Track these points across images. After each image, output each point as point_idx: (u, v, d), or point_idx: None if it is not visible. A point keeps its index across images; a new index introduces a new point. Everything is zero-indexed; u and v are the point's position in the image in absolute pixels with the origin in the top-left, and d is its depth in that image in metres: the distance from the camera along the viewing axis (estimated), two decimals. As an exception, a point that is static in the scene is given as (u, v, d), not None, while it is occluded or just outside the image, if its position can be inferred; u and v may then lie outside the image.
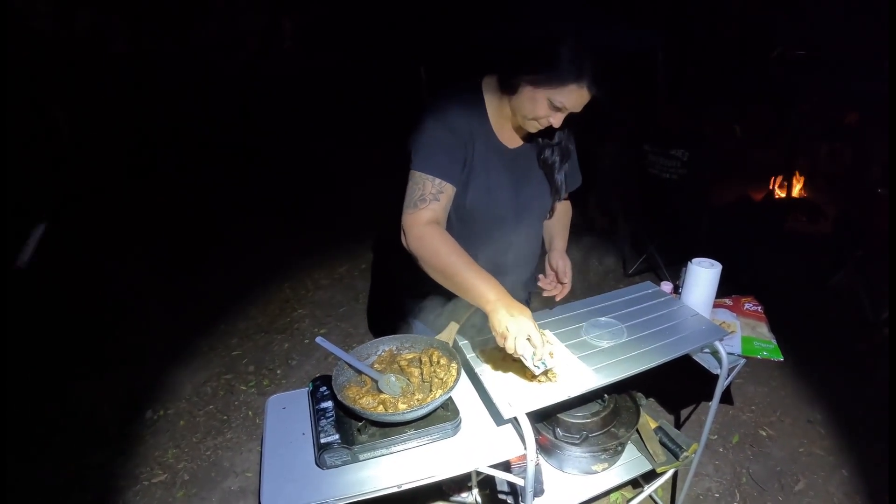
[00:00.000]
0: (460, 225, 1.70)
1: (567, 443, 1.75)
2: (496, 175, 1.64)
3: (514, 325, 1.31)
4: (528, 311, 1.36)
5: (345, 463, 1.28)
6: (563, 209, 1.96)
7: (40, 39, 7.14)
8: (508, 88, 1.54)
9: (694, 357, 1.83)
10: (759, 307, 2.19)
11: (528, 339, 1.32)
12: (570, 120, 1.59)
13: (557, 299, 1.77)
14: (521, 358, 1.34)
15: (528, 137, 1.70)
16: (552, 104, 1.46)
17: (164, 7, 8.70)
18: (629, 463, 1.92)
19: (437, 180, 1.50)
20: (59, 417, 3.10)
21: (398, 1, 9.40)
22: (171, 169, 7.63)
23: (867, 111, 5.32)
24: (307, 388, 1.51)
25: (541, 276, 1.81)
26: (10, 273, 4.51)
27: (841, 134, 5.51)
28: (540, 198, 1.77)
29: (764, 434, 2.88)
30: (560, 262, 1.78)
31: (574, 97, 1.45)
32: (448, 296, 1.60)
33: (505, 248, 1.74)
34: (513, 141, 1.68)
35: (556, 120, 1.51)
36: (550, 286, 1.78)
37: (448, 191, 1.53)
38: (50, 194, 6.34)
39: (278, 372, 3.46)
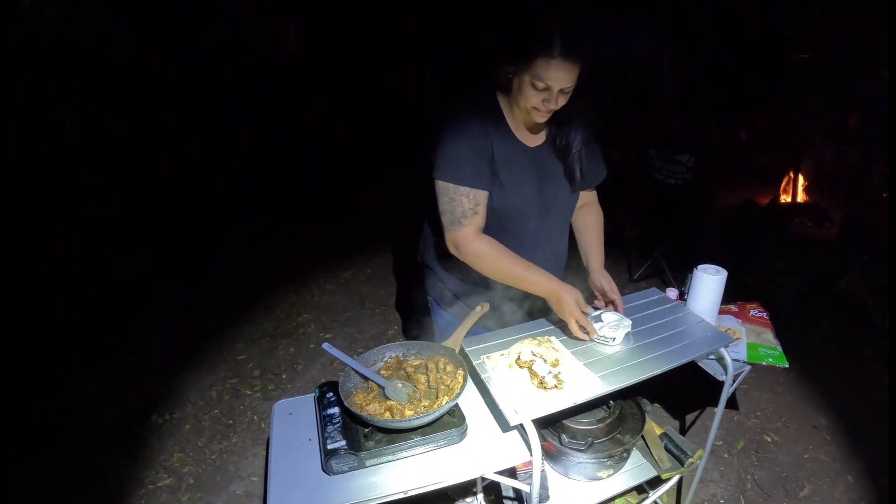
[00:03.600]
0: (489, 224, 1.73)
1: (573, 449, 1.75)
2: (518, 173, 1.68)
3: (565, 307, 1.59)
4: (576, 292, 1.61)
5: (351, 469, 1.28)
6: (595, 219, 1.97)
7: (46, 42, 7.17)
8: (503, 87, 1.61)
9: (699, 363, 1.83)
10: (765, 313, 2.19)
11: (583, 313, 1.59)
12: (583, 108, 1.65)
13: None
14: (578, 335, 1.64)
15: (546, 133, 1.74)
16: (534, 86, 1.48)
17: (170, 11, 8.73)
18: (634, 469, 1.91)
19: (472, 192, 1.60)
20: (64, 420, 3.11)
21: (402, 5, 9.43)
22: (176, 172, 7.66)
23: (871, 114, 5.32)
24: (313, 394, 1.52)
25: (595, 301, 1.82)
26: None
27: (846, 137, 5.50)
28: (564, 192, 1.80)
29: (769, 440, 2.87)
30: (602, 280, 1.79)
31: (551, 72, 1.44)
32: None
33: (534, 244, 1.78)
34: (533, 139, 1.72)
35: (551, 102, 1.51)
36: (603, 306, 1.79)
37: (482, 199, 1.63)
38: (55, 196, 6.37)
39: (284, 377, 3.46)
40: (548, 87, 1.47)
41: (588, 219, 1.95)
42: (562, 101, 1.53)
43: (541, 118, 1.59)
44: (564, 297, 1.58)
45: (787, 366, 1.96)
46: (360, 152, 8.24)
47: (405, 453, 1.32)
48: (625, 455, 1.86)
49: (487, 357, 1.59)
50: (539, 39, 1.42)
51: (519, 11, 1.49)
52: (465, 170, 1.59)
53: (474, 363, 1.56)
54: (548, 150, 1.75)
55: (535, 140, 1.73)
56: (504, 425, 1.41)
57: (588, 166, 1.81)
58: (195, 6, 9.16)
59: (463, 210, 1.60)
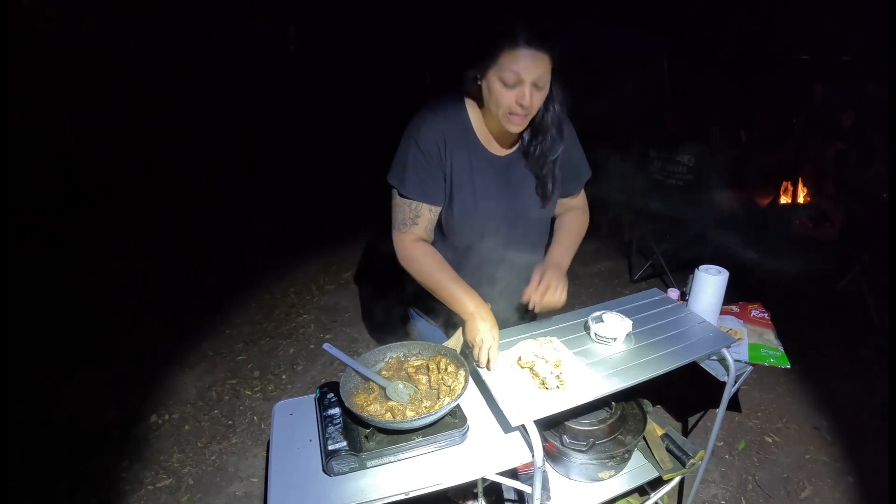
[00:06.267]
0: (454, 237, 1.69)
1: (574, 450, 1.74)
2: (483, 184, 1.60)
3: (478, 336, 1.50)
4: (495, 326, 1.53)
5: (352, 470, 1.28)
6: (573, 224, 1.83)
7: (47, 43, 7.17)
8: (473, 94, 1.56)
9: (701, 364, 1.83)
10: (766, 314, 2.19)
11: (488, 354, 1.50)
12: (560, 116, 1.58)
13: (534, 309, 1.63)
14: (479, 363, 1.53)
15: (519, 141, 1.65)
16: (504, 83, 1.41)
17: (170, 12, 8.74)
18: (636, 470, 1.91)
19: (414, 203, 1.58)
20: (63, 421, 3.10)
21: (403, 6, 9.43)
22: (176, 173, 7.66)
23: (871, 115, 5.32)
24: (314, 395, 1.51)
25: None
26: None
27: (846, 138, 5.49)
28: (537, 203, 1.69)
29: (770, 441, 2.87)
30: (541, 268, 1.64)
31: (519, 63, 1.37)
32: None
33: (504, 257, 1.72)
34: (504, 149, 1.65)
35: (524, 97, 1.41)
36: (528, 294, 1.62)
37: (425, 212, 1.59)
38: (54, 196, 6.37)
39: (283, 377, 3.46)
40: (519, 79, 1.39)
41: (564, 222, 1.83)
42: (537, 100, 1.45)
43: (517, 125, 1.49)
44: (480, 322, 1.50)
45: (789, 366, 1.96)
46: (359, 153, 8.24)
47: (406, 454, 1.32)
48: (626, 456, 1.86)
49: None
50: (501, 32, 1.37)
51: (481, 15, 1.46)
52: (410, 180, 1.56)
53: (475, 364, 1.56)
54: (519, 159, 1.66)
55: (507, 149, 1.65)
56: (506, 426, 1.40)
57: (565, 176, 1.72)
58: (195, 7, 9.16)
59: (403, 218, 1.60)
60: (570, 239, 1.78)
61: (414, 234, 1.60)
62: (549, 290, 1.59)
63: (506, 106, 1.44)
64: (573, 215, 1.85)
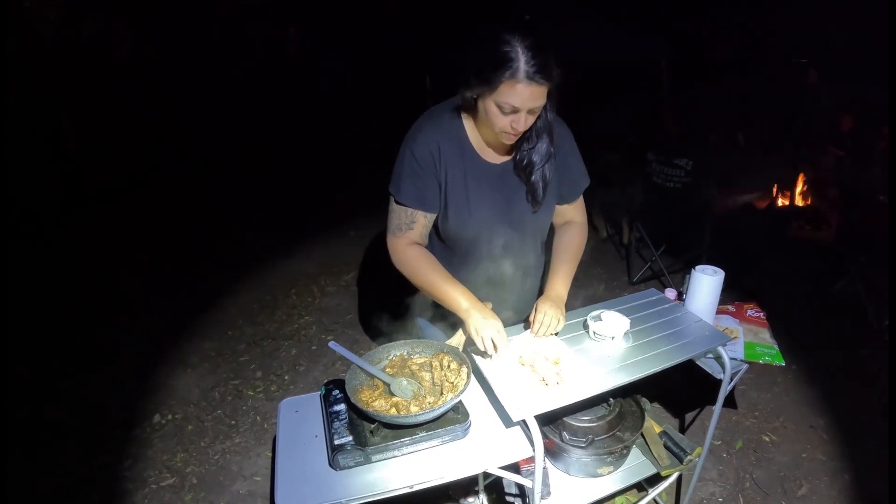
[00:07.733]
0: (451, 242, 1.74)
1: (573, 446, 1.78)
2: (478, 192, 1.64)
3: (480, 327, 1.52)
4: (495, 317, 1.56)
5: (358, 464, 1.31)
6: (570, 242, 1.84)
7: (47, 45, 7.19)
8: (470, 109, 1.58)
9: (697, 362, 1.86)
10: (762, 313, 2.22)
11: (492, 340, 1.52)
12: (551, 121, 1.59)
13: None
14: (487, 352, 1.54)
15: (513, 149, 1.67)
16: (501, 109, 1.42)
17: (170, 14, 8.76)
18: (634, 466, 1.94)
19: (409, 210, 1.63)
20: (66, 421, 3.13)
21: (403, 9, 9.46)
22: (177, 175, 7.68)
23: (868, 118, 5.35)
24: (319, 392, 1.54)
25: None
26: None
27: (843, 141, 5.53)
28: (532, 209, 1.72)
29: (767, 439, 2.90)
30: (539, 308, 1.67)
31: (517, 94, 1.38)
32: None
33: (504, 264, 1.76)
34: (499, 157, 1.67)
35: (518, 123, 1.44)
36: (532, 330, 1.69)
37: (420, 218, 1.64)
38: (55, 198, 6.39)
39: (286, 378, 3.48)
40: (515, 109, 1.41)
41: (562, 241, 1.84)
42: (530, 121, 1.48)
43: (509, 140, 1.54)
44: (476, 316, 1.54)
45: (784, 364, 1.99)
46: (359, 155, 8.27)
47: (410, 449, 1.35)
48: (625, 452, 1.89)
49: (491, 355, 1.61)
50: (503, 63, 1.35)
51: (482, 34, 1.42)
52: (406, 188, 1.61)
53: (477, 361, 1.59)
54: (514, 167, 1.68)
55: (502, 157, 1.67)
56: (507, 421, 1.43)
57: (559, 181, 1.75)
58: (195, 9, 9.19)
59: (398, 223, 1.66)
60: (567, 265, 1.79)
61: (408, 238, 1.66)
62: (549, 327, 1.64)
63: (500, 127, 1.48)
64: (572, 234, 1.85)
